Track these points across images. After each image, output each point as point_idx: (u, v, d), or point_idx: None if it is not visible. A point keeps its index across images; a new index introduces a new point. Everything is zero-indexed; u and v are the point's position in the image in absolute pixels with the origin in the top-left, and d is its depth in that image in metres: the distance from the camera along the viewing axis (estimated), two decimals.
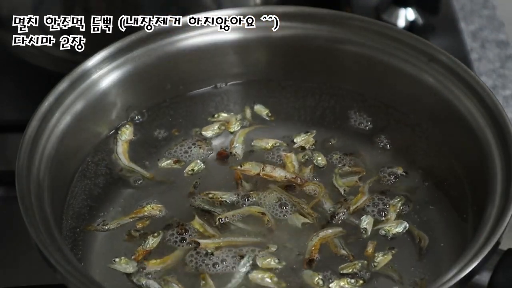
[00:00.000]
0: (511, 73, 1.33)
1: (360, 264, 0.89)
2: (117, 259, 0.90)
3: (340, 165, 0.99)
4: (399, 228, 0.93)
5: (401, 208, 0.95)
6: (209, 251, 0.90)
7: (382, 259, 0.90)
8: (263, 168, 0.98)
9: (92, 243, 0.93)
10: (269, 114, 1.05)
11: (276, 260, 0.89)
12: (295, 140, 1.03)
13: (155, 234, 0.92)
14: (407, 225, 0.93)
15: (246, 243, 0.91)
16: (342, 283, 0.88)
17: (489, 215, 0.86)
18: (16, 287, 1.00)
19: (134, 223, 0.94)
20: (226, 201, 0.95)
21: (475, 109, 0.96)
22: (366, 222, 0.93)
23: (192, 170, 1.00)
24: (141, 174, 0.99)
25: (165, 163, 1.01)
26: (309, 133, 1.03)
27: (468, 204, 0.95)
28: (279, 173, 0.97)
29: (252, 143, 1.03)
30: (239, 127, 1.04)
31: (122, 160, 1.00)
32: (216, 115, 1.06)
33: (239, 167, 0.98)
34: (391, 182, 0.97)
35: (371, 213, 0.94)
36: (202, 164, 1.00)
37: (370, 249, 0.91)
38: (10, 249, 1.09)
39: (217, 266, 0.89)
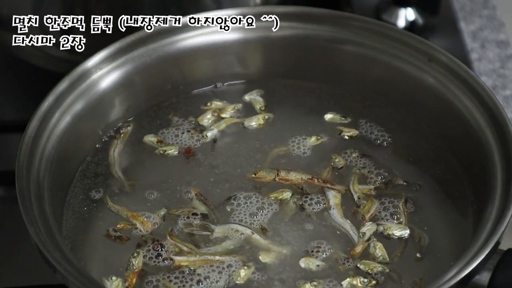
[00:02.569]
0: (511, 73, 1.33)
1: (380, 268, 0.89)
2: (114, 277, 0.89)
3: (359, 165, 0.99)
4: (398, 231, 0.92)
5: (407, 207, 0.94)
6: (192, 268, 0.89)
7: (378, 248, 0.91)
8: (277, 173, 0.97)
9: (92, 243, 0.93)
10: (262, 108, 1.06)
11: (245, 267, 0.89)
12: (325, 117, 1.04)
13: (135, 255, 0.90)
14: (408, 233, 0.92)
15: (222, 261, 0.90)
16: (354, 282, 0.88)
17: (489, 215, 0.86)
18: (16, 287, 1.00)
19: (119, 220, 0.94)
20: (196, 213, 0.95)
21: (475, 109, 0.96)
22: (367, 228, 0.93)
23: (164, 151, 1.01)
24: (122, 183, 0.99)
25: (149, 139, 1.02)
26: (343, 118, 1.04)
27: (468, 203, 0.95)
28: (294, 176, 0.97)
29: (244, 124, 1.04)
30: (229, 116, 1.05)
31: (113, 165, 1.00)
32: (209, 103, 1.06)
33: (253, 175, 0.98)
34: (378, 183, 0.97)
35: (385, 218, 0.94)
36: (176, 152, 1.01)
37: (358, 249, 0.91)
38: (10, 249, 1.09)
39: (200, 283, 0.89)
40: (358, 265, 0.89)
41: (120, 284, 0.88)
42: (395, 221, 0.93)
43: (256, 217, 0.94)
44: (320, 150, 1.01)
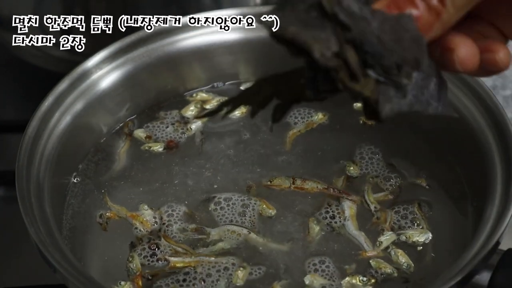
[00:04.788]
0: (511, 73, 1.33)
1: (390, 270, 0.89)
2: (122, 282, 0.89)
3: (373, 173, 0.99)
4: (422, 237, 0.92)
5: (423, 211, 0.94)
6: (192, 267, 0.90)
7: (400, 255, 0.90)
8: (293, 181, 0.97)
9: (92, 243, 0.93)
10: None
11: (241, 268, 0.89)
12: (355, 106, 1.04)
13: (130, 259, 0.90)
14: (431, 236, 0.92)
15: (218, 261, 0.90)
16: (353, 281, 0.88)
17: (489, 215, 0.86)
18: (16, 287, 1.00)
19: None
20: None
21: (475, 109, 0.96)
22: (385, 238, 0.92)
23: (149, 147, 1.01)
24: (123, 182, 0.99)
25: (138, 134, 1.03)
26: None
27: (468, 204, 0.95)
28: (310, 185, 0.97)
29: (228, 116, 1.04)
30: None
31: (120, 164, 1.01)
32: (194, 95, 1.07)
33: (268, 182, 0.97)
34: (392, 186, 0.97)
35: (406, 226, 0.93)
36: (162, 148, 1.01)
37: (370, 253, 0.91)
38: (10, 249, 1.09)
39: (203, 282, 0.89)
40: (370, 261, 0.89)
41: (127, 287, 0.89)
42: (414, 227, 0.93)
43: (245, 216, 0.94)
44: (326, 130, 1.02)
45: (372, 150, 1.01)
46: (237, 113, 1.05)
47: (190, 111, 1.05)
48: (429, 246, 0.92)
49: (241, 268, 0.89)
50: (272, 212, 0.95)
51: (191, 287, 0.88)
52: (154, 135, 1.03)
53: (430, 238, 0.92)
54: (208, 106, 1.06)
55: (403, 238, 0.92)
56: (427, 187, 0.97)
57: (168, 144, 1.02)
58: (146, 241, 0.92)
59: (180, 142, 1.02)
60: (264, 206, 0.95)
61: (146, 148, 1.02)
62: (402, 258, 0.90)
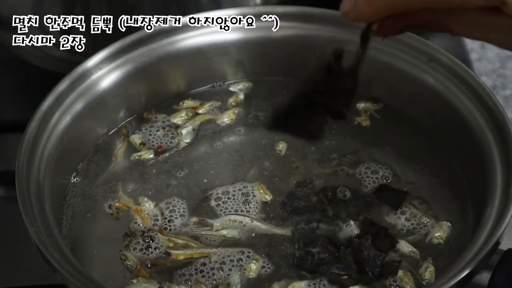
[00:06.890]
0: (511, 73, 1.33)
1: (409, 287, 0.88)
2: (134, 281, 0.89)
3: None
4: (445, 229, 0.92)
5: (419, 207, 0.94)
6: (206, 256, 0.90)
7: (429, 272, 0.89)
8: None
9: (92, 243, 0.93)
10: (233, 104, 1.07)
11: (254, 261, 0.89)
12: (358, 106, 1.04)
13: (123, 258, 0.90)
14: (449, 224, 0.92)
15: (220, 252, 0.90)
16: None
17: (489, 215, 0.86)
18: (16, 287, 1.00)
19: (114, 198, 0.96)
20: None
21: (475, 109, 0.96)
22: (408, 249, 0.91)
23: (139, 156, 1.01)
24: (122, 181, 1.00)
25: (134, 140, 1.02)
26: (375, 104, 1.05)
27: (468, 204, 0.95)
28: None
29: (217, 122, 1.05)
30: (204, 113, 1.06)
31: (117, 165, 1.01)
32: (181, 103, 1.06)
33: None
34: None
35: (418, 229, 0.93)
36: (152, 155, 1.01)
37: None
38: (10, 249, 1.09)
39: (220, 271, 0.89)
40: (400, 271, 0.88)
41: (145, 280, 0.88)
42: (426, 226, 0.93)
43: (249, 204, 0.94)
44: None
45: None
46: (226, 120, 1.05)
47: (179, 117, 1.05)
48: (428, 246, 0.92)
49: (254, 261, 0.89)
50: (268, 197, 0.95)
51: (211, 277, 0.89)
52: (148, 140, 1.03)
53: (450, 225, 0.92)
54: (200, 111, 1.06)
55: (435, 241, 0.91)
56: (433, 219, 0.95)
57: (156, 150, 1.02)
58: (140, 234, 0.92)
59: (169, 147, 1.02)
60: (261, 191, 0.95)
61: (136, 157, 1.01)
62: (428, 275, 0.89)
